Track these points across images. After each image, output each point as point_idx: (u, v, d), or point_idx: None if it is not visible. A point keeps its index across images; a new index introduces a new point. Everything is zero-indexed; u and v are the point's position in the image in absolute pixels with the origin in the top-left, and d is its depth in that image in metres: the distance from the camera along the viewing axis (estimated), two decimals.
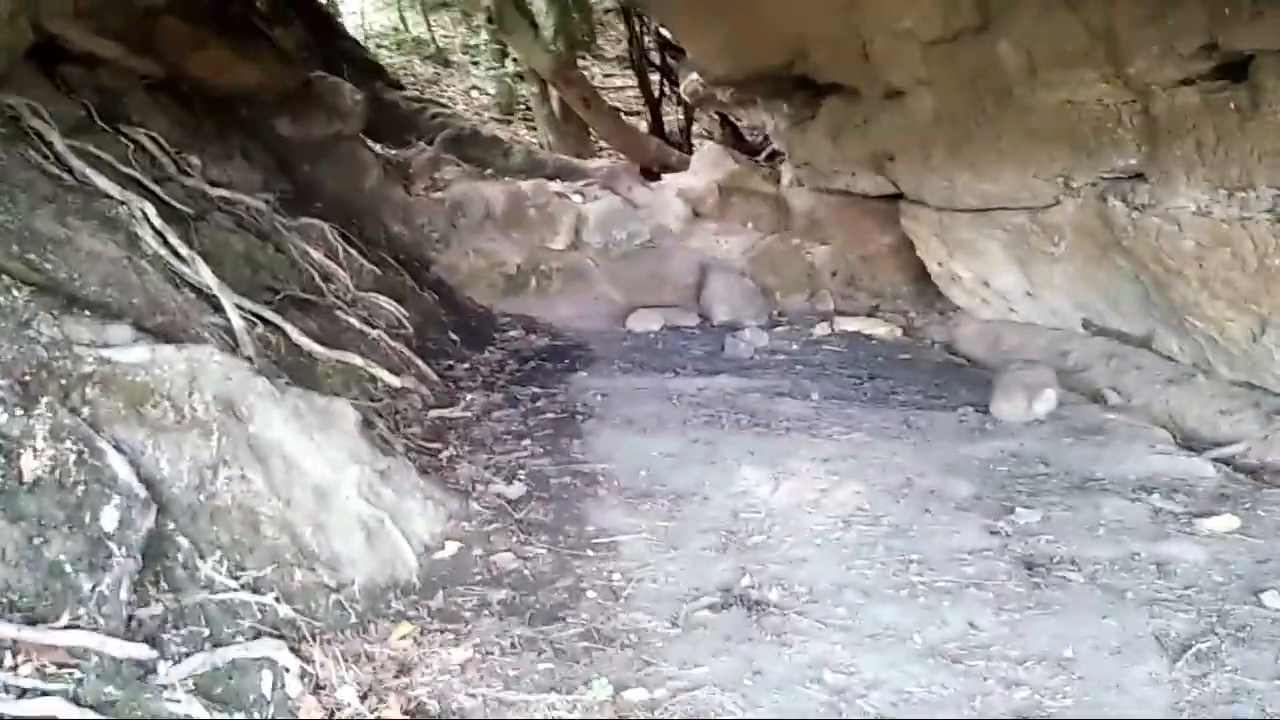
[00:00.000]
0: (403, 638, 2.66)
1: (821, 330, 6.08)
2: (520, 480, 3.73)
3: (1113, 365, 5.18)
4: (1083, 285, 5.36)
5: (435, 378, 4.84)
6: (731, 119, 9.59)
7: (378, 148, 7.11)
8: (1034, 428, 4.35)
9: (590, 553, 3.19)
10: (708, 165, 8.11)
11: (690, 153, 10.72)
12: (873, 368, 5.40)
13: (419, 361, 4.83)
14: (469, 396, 4.71)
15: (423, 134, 7.73)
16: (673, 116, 10.59)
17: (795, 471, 3.75)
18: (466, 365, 5.32)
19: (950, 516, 3.47)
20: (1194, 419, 4.53)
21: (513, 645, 2.61)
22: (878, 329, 6.06)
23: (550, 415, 4.47)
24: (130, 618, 2.16)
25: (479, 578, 3.03)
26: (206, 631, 2.27)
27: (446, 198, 7.01)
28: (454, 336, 5.72)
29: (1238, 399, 4.46)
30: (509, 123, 10.43)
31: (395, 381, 4.35)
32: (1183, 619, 2.82)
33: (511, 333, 6.10)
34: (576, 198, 7.33)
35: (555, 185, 7.34)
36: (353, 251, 5.40)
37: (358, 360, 4.24)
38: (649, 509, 3.50)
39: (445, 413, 4.45)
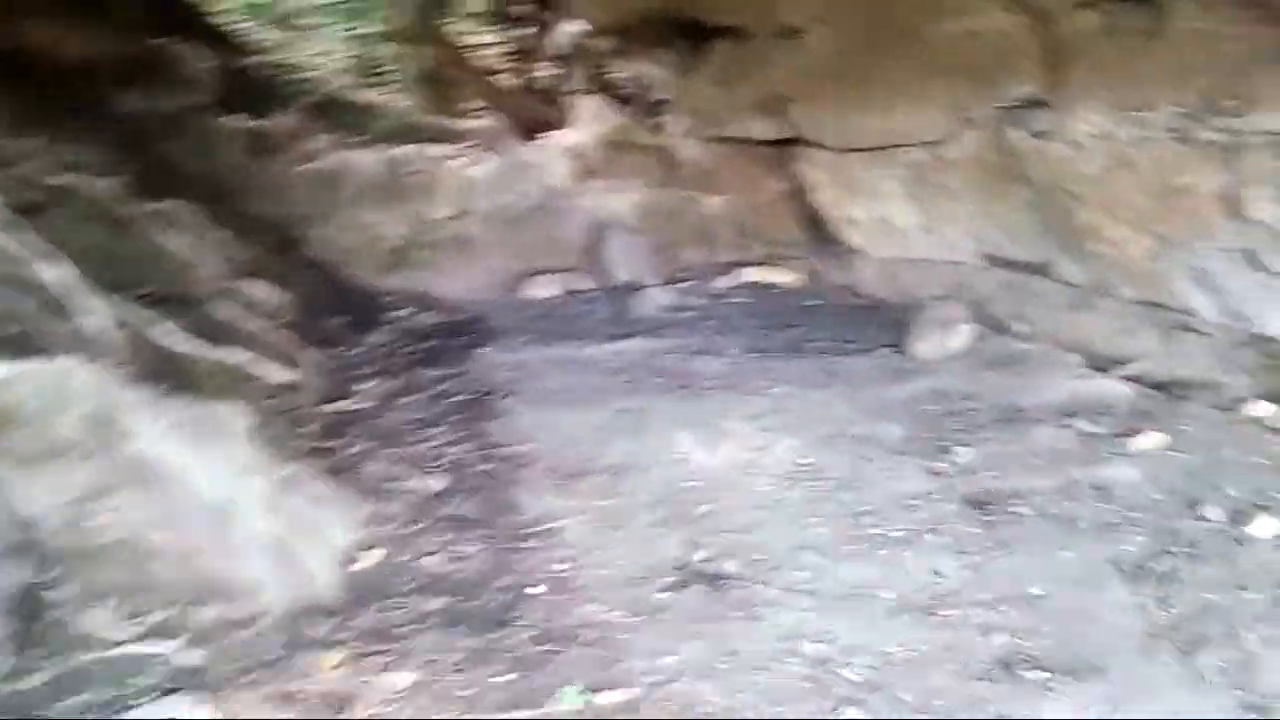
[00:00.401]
0: (335, 667, 2.38)
1: (724, 283, 5.94)
2: (438, 472, 3.45)
3: (1015, 294, 5.20)
4: (981, 217, 5.37)
5: (327, 367, 4.47)
6: (606, 72, 9.28)
7: (235, 119, 6.53)
8: (952, 363, 4.33)
9: (529, 544, 2.96)
10: (591, 120, 7.81)
11: (566, 109, 10.38)
12: (782, 317, 5.30)
13: (307, 351, 4.45)
14: (366, 385, 4.36)
15: (283, 102, 7.13)
16: (544, 72, 10.19)
17: (729, 433, 3.60)
18: (357, 350, 4.94)
19: (890, 462, 3.38)
20: (1099, 340, 4.59)
21: (463, 660, 2.37)
22: (781, 277, 5.96)
23: (460, 397, 4.17)
24: (11, 693, 1.82)
25: (409, 587, 2.76)
26: (109, 694, 1.95)
27: (317, 169, 6.52)
28: (340, 319, 5.31)
29: (1138, 317, 4.53)
30: (370, 86, 9.81)
31: (284, 376, 3.98)
32: (1134, 542, 2.81)
33: (401, 311, 5.72)
34: (458, 162, 6.94)
35: (434, 150, 6.91)
36: (220, 234, 4.94)
37: (241, 356, 3.85)
38: (584, 488, 3.29)
39: (343, 405, 4.10)
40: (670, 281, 6.01)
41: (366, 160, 6.71)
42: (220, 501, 2.67)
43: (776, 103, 6.21)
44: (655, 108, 7.87)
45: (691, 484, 3.29)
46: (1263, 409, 3.64)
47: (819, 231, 6.83)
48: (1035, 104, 4.58)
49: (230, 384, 3.70)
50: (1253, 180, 3.71)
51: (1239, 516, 2.86)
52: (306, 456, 3.39)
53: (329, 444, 3.67)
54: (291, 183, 6.42)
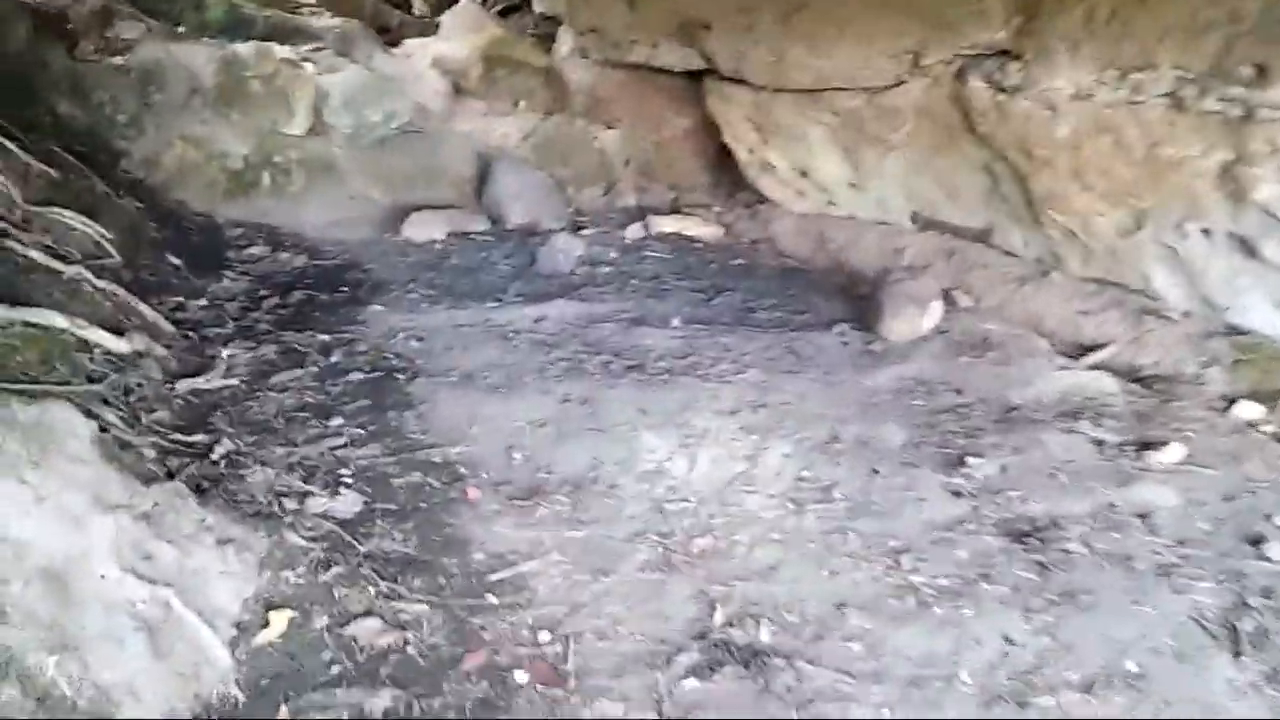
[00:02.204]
0: None
1: (635, 232, 5.24)
2: (349, 485, 2.64)
3: (954, 263, 4.81)
4: (919, 175, 4.93)
5: (169, 328, 3.49)
6: None
7: None
8: (921, 346, 3.86)
9: (492, 599, 2.24)
10: (464, 30, 6.82)
11: (410, 12, 9.21)
12: (711, 278, 4.68)
13: (142, 307, 3.45)
14: (226, 352, 3.42)
15: None
16: None
17: (705, 433, 2.98)
18: (203, 302, 3.94)
19: (903, 478, 2.87)
20: (1054, 320, 4.26)
21: None
22: (700, 230, 5.32)
23: (357, 375, 3.31)
24: None
25: (339, 669, 2.00)
26: None
27: (131, 65, 5.27)
28: (174, 260, 4.26)
29: (1097, 297, 4.22)
30: None
31: (120, 345, 3.00)
32: (1205, 590, 2.43)
33: (252, 249, 4.70)
34: (308, 67, 5.82)
35: (279, 51, 5.75)
36: (10, 145, 3.78)
37: (58, 320, 2.85)
38: (545, 513, 2.58)
39: (200, 383, 3.17)
40: (575, 229, 5.26)
41: (196, 58, 5.51)
42: (60, 559, 1.82)
43: (692, 28, 5.52)
44: (544, 23, 6.99)
45: (677, 506, 2.65)
46: (1251, 410, 3.39)
47: (720, 176, 6.25)
48: (1003, 54, 4.15)
49: (44, 359, 2.72)
50: (1260, 159, 3.40)
51: None
52: (162, 461, 2.51)
53: (188, 440, 2.77)
54: (99, 79, 5.17)
